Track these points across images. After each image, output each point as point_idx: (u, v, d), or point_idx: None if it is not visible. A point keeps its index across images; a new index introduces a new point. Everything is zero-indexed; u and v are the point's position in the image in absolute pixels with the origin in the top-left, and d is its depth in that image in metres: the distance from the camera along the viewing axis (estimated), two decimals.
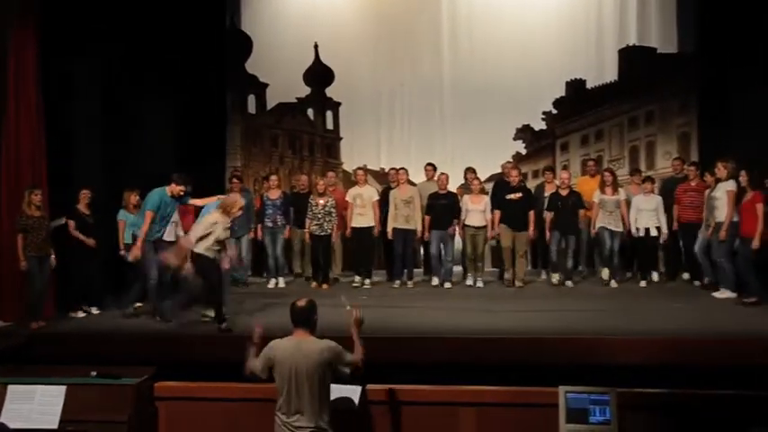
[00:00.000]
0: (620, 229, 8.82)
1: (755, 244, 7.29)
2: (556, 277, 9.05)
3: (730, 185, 7.68)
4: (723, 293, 7.79)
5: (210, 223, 6.82)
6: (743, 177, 7.57)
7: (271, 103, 11.58)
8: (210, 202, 7.49)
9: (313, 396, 4.58)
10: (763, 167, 7.70)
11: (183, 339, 6.55)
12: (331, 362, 4.66)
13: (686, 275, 9.11)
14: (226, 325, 6.70)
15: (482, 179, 9.52)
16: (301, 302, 4.76)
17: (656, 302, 7.74)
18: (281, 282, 9.33)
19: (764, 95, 7.61)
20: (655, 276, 9.14)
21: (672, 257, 9.30)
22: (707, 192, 8.25)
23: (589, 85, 11.05)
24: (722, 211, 7.70)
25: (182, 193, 7.35)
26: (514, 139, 11.24)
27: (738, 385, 5.28)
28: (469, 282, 9.17)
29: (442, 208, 8.99)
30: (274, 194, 9.37)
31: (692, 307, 7.42)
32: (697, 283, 8.74)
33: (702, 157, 9.75)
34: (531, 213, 8.92)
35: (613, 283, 8.81)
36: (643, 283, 8.83)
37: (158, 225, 7.30)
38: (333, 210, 9.04)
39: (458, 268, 9.50)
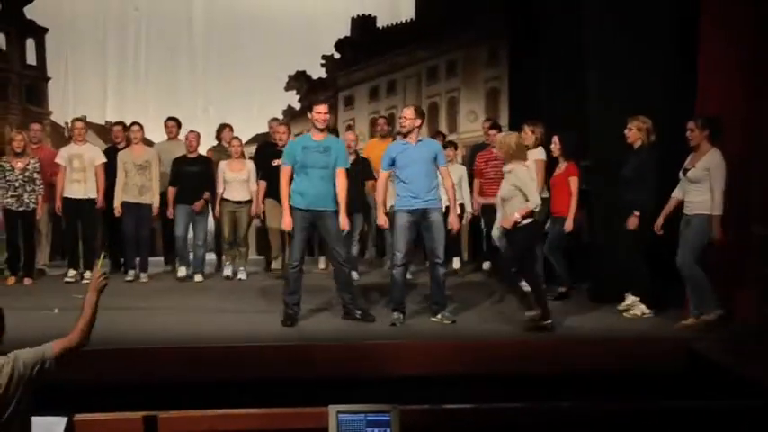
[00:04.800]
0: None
1: (568, 225, 7.83)
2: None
3: (538, 154, 8.20)
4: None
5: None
6: (555, 146, 8.02)
7: None
8: None
9: None
10: (579, 133, 8.10)
11: None
12: (30, 378, 4.30)
13: (487, 264, 9.62)
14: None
15: (243, 141, 9.57)
16: None
17: (456, 297, 8.06)
18: None
19: (581, 43, 8.02)
20: (456, 263, 9.65)
21: (475, 241, 9.93)
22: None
23: (380, 24, 11.41)
24: None
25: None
26: (286, 89, 11.37)
27: (538, 395, 5.75)
28: (228, 272, 9.32)
29: (192, 177, 9.01)
30: None
31: (497, 304, 7.85)
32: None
33: (512, 119, 10.41)
34: None
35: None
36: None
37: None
38: (37, 176, 8.81)
39: (211, 256, 9.49)
